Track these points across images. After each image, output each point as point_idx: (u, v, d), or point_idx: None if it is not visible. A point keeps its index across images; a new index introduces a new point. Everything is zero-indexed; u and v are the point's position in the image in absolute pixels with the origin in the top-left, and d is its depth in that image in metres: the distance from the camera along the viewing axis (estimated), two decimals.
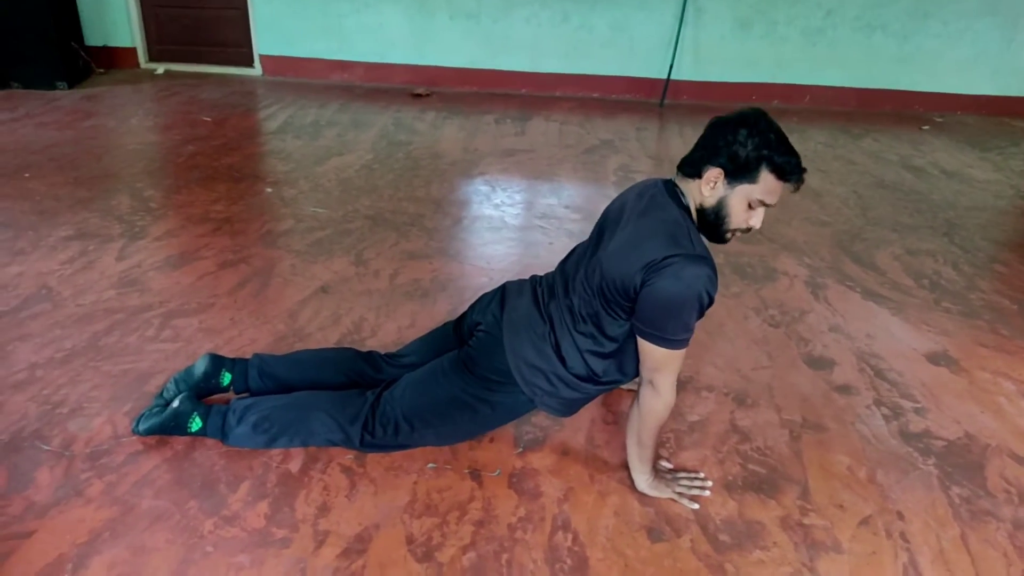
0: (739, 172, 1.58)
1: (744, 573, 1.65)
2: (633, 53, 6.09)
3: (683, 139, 5.15)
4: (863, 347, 2.61)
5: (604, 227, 1.82)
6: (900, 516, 1.85)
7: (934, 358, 2.57)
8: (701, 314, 1.61)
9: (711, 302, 1.61)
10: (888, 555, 1.73)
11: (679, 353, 1.65)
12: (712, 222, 1.65)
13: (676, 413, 2.19)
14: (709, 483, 1.90)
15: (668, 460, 1.99)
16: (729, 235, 1.69)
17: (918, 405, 2.30)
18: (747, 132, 1.55)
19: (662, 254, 1.56)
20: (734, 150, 1.56)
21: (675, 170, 1.73)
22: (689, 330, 1.62)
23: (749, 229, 1.67)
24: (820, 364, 2.49)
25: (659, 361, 1.66)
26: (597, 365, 1.78)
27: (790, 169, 1.56)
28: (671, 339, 1.61)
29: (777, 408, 2.24)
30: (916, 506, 1.89)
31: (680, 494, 1.84)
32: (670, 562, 1.67)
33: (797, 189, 1.61)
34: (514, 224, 3.54)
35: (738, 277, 3.09)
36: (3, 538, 1.64)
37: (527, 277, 2.04)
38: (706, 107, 6.07)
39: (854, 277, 3.15)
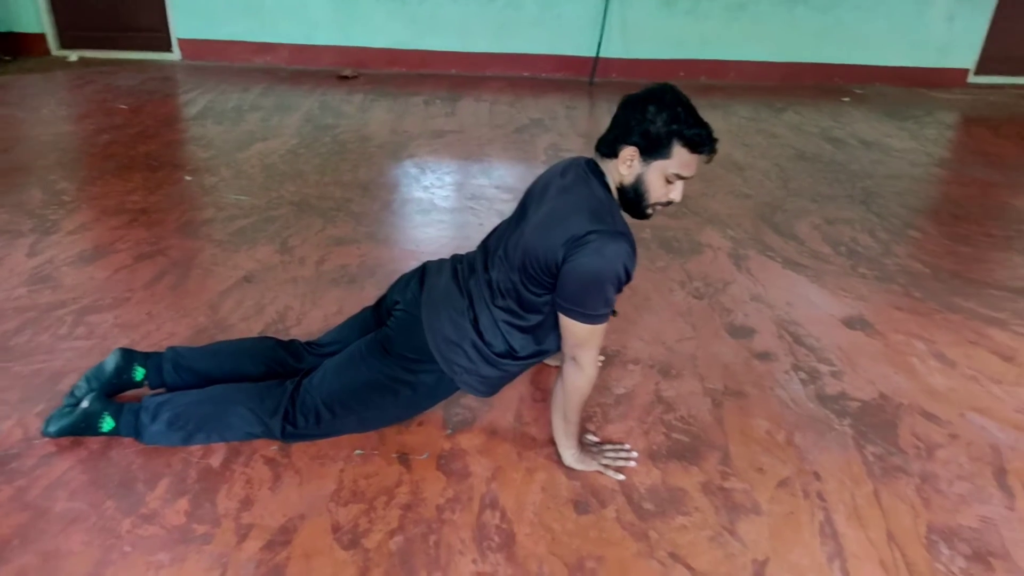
0: (652, 149, 1.60)
1: (667, 539, 1.69)
2: (562, 31, 6.09)
3: (611, 117, 5.17)
4: (783, 315, 2.68)
5: (527, 203, 1.82)
6: (817, 476, 1.92)
7: (850, 322, 2.66)
8: (620, 289, 1.63)
9: (629, 278, 1.63)
10: (805, 514, 1.79)
11: (600, 328, 1.67)
12: (632, 199, 1.68)
13: (602, 387, 2.22)
14: (634, 454, 1.93)
15: (594, 434, 2.02)
16: (650, 210, 1.71)
17: (835, 368, 2.38)
18: (656, 108, 1.57)
19: (584, 229, 1.57)
20: (645, 128, 1.58)
21: (593, 150, 1.74)
22: (609, 305, 1.64)
23: (670, 202, 1.70)
24: (741, 333, 2.55)
25: (581, 337, 1.68)
26: (515, 340, 1.78)
27: (701, 141, 1.59)
28: (592, 314, 1.63)
29: (700, 377, 2.30)
30: (832, 466, 1.96)
31: (606, 466, 1.87)
32: (595, 533, 1.70)
33: (711, 159, 1.64)
34: (444, 206, 3.51)
35: (664, 251, 3.14)
36: None
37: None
38: (635, 84, 6.04)
39: (775, 247, 3.23)
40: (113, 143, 4.18)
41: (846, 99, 5.94)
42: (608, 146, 1.67)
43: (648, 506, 1.79)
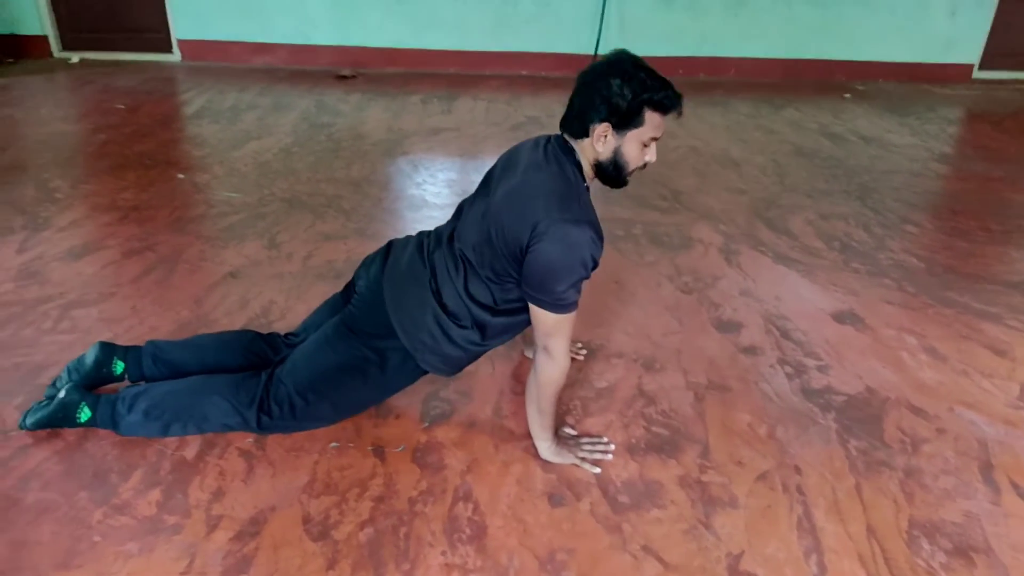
0: (625, 121, 1.59)
1: (640, 532, 1.67)
2: (559, 29, 6.08)
3: None
4: (771, 309, 2.66)
5: (493, 175, 1.80)
6: (797, 470, 1.89)
7: (840, 317, 2.63)
8: (587, 276, 1.62)
9: (595, 265, 1.62)
10: (783, 508, 1.77)
11: (569, 317, 1.65)
12: (612, 173, 1.67)
13: (584, 380, 2.21)
14: (612, 447, 1.91)
15: (573, 427, 2.00)
16: (629, 177, 1.70)
17: (821, 363, 2.36)
18: (620, 81, 1.56)
19: (550, 216, 1.56)
20: (614, 102, 1.57)
21: (559, 128, 1.72)
22: (577, 293, 1.62)
23: (645, 165, 1.69)
24: (728, 327, 2.53)
25: (550, 326, 1.66)
26: (479, 314, 1.75)
27: (670, 102, 1.59)
28: (559, 303, 1.62)
29: (684, 371, 2.27)
30: (814, 460, 1.93)
31: (583, 459, 1.85)
32: (568, 525, 1.68)
33: (680, 115, 1.64)
34: (435, 202, 3.51)
35: (654, 246, 3.12)
36: None
37: None
38: None
39: (767, 242, 3.21)
40: (109, 142, 4.19)
41: (847, 95, 5.90)
42: (577, 126, 1.65)
43: (623, 499, 1.77)
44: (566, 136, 1.70)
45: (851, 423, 2.08)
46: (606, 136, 1.62)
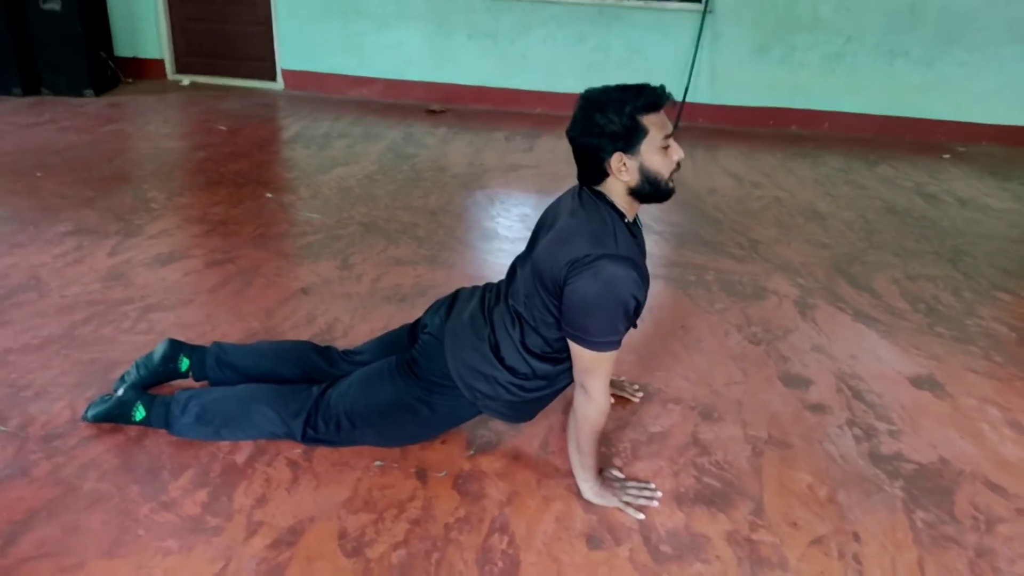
0: (630, 140, 1.56)
1: None
2: (648, 75, 6.05)
3: (693, 161, 5.11)
4: (844, 368, 2.54)
5: (539, 231, 1.81)
6: (856, 537, 1.78)
7: (918, 381, 2.49)
8: (628, 317, 1.59)
9: (638, 305, 1.59)
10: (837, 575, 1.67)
11: (607, 356, 1.62)
12: (650, 191, 1.63)
13: (637, 423, 2.15)
14: (659, 494, 1.85)
15: (620, 469, 1.95)
16: (671, 183, 1.65)
17: (893, 427, 2.23)
18: (600, 112, 1.54)
19: (584, 252, 1.55)
20: (609, 131, 1.54)
21: (580, 188, 1.72)
22: (616, 332, 1.59)
23: (678, 164, 1.64)
24: (796, 383, 2.43)
25: (587, 363, 1.64)
26: (538, 366, 1.75)
27: (654, 98, 1.55)
28: (594, 341, 1.59)
29: (743, 423, 2.19)
30: (875, 528, 1.81)
31: (627, 503, 1.80)
32: (605, 570, 1.63)
33: (673, 102, 1.60)
34: (507, 235, 3.53)
35: (725, 294, 3.04)
36: None
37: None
38: (722, 130, 6.04)
39: (847, 299, 3.08)
40: (207, 160, 4.42)
41: (946, 156, 5.65)
42: (592, 174, 1.64)
43: (665, 549, 1.70)
44: (592, 187, 1.69)
45: (920, 494, 1.95)
46: (624, 164, 1.59)
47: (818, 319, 2.89)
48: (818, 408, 2.30)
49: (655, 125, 1.57)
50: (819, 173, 5.02)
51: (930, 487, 1.97)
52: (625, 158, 1.58)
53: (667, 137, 1.59)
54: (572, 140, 1.62)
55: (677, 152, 1.62)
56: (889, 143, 5.97)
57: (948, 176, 5.13)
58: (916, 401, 2.38)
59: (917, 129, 6.10)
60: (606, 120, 1.54)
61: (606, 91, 1.57)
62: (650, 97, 1.55)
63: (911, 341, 2.76)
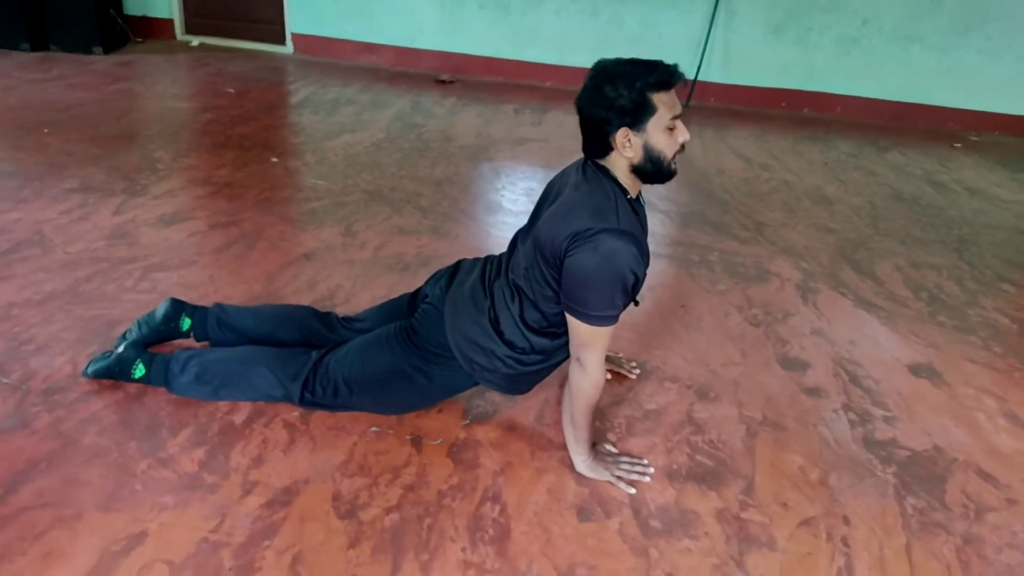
0: (637, 116, 1.54)
1: (668, 559, 1.62)
2: (661, 52, 5.97)
3: (703, 141, 5.07)
4: (843, 352, 2.54)
5: (543, 201, 1.81)
6: (845, 520, 1.80)
7: (916, 369, 2.49)
8: (627, 292, 1.59)
9: (637, 280, 1.59)
10: (824, 557, 1.68)
11: (604, 331, 1.62)
12: (652, 170, 1.62)
13: (633, 399, 2.16)
14: (651, 469, 1.87)
15: (614, 444, 1.96)
16: (674, 166, 1.64)
17: (889, 414, 2.23)
18: (612, 85, 1.52)
19: (585, 225, 1.54)
20: (618, 105, 1.53)
21: (585, 162, 1.71)
22: (614, 307, 1.59)
23: (683, 146, 1.63)
24: (793, 365, 2.43)
25: (584, 337, 1.64)
26: (536, 341, 1.76)
27: (667, 76, 1.53)
28: (592, 315, 1.59)
29: (739, 404, 2.20)
30: (865, 512, 1.83)
31: (619, 477, 1.81)
32: (594, 541, 1.65)
33: (685, 83, 1.57)
34: (511, 208, 3.52)
35: (727, 275, 3.03)
36: None
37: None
38: (733, 111, 5.99)
39: (849, 284, 3.07)
40: (214, 122, 4.41)
41: (958, 145, 5.60)
42: (597, 146, 1.63)
43: (655, 524, 1.72)
44: (596, 161, 1.68)
45: (911, 480, 1.96)
46: (629, 140, 1.58)
47: (819, 303, 2.88)
48: (814, 392, 2.30)
49: (664, 104, 1.55)
50: (829, 157, 4.98)
51: (922, 474, 1.99)
52: (631, 134, 1.57)
53: (675, 118, 1.57)
54: (580, 110, 1.61)
55: (683, 134, 1.60)
56: (901, 129, 5.92)
57: (959, 165, 5.09)
58: (913, 388, 2.38)
59: (930, 116, 6.04)
60: (616, 93, 1.52)
61: (619, 64, 1.55)
62: (662, 75, 1.52)
63: (911, 329, 2.76)
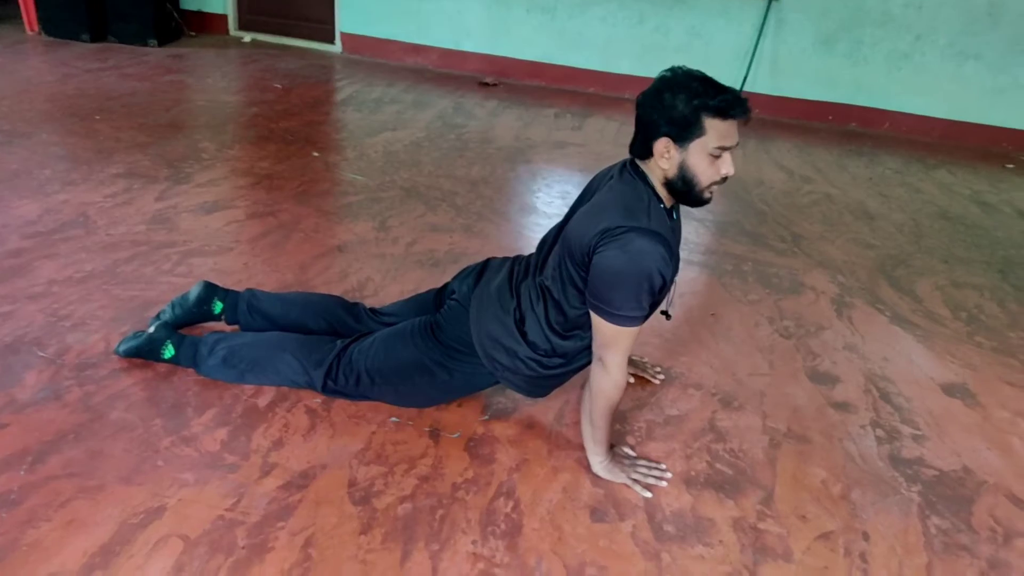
0: (684, 132, 1.53)
1: (680, 565, 1.60)
2: (708, 60, 5.96)
3: (744, 152, 5.01)
4: (875, 369, 2.49)
5: (580, 200, 1.81)
6: (865, 536, 1.76)
7: (950, 389, 2.43)
8: (653, 293, 1.58)
9: (664, 282, 1.58)
10: (840, 571, 1.65)
11: (628, 331, 1.61)
12: (682, 189, 1.61)
13: (655, 404, 2.15)
14: (668, 474, 1.85)
15: (632, 448, 1.95)
16: (707, 194, 1.62)
17: (918, 432, 2.18)
18: (671, 93, 1.51)
19: (616, 223, 1.54)
20: (670, 115, 1.52)
21: (625, 164, 1.71)
22: (639, 307, 1.58)
23: (724, 179, 1.60)
24: (823, 379, 2.39)
25: (607, 337, 1.63)
26: (559, 344, 1.76)
27: (728, 105, 1.50)
28: (617, 314, 1.58)
29: (763, 415, 2.16)
30: (886, 530, 1.79)
31: (635, 480, 1.80)
32: (605, 543, 1.64)
33: (748, 121, 1.54)
34: (545, 211, 3.53)
35: (761, 285, 2.99)
36: None
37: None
38: (778, 122, 5.90)
39: (886, 301, 3.01)
40: (259, 116, 4.50)
41: (1010, 166, 5.44)
42: (640, 147, 1.62)
43: (669, 528, 1.70)
44: (636, 160, 1.67)
45: (937, 500, 1.91)
46: (668, 151, 1.57)
47: (854, 318, 2.83)
48: (843, 406, 2.26)
49: (716, 130, 1.52)
50: (874, 172, 4.89)
51: (949, 495, 1.93)
52: (672, 146, 1.56)
53: (723, 148, 1.54)
54: (637, 106, 1.60)
55: (727, 166, 1.57)
56: (951, 148, 5.77)
57: (1009, 186, 4.95)
58: (945, 408, 2.32)
59: (982, 135, 5.88)
60: (672, 103, 1.51)
61: (689, 75, 1.54)
62: (723, 103, 1.49)
63: (948, 348, 2.69)
